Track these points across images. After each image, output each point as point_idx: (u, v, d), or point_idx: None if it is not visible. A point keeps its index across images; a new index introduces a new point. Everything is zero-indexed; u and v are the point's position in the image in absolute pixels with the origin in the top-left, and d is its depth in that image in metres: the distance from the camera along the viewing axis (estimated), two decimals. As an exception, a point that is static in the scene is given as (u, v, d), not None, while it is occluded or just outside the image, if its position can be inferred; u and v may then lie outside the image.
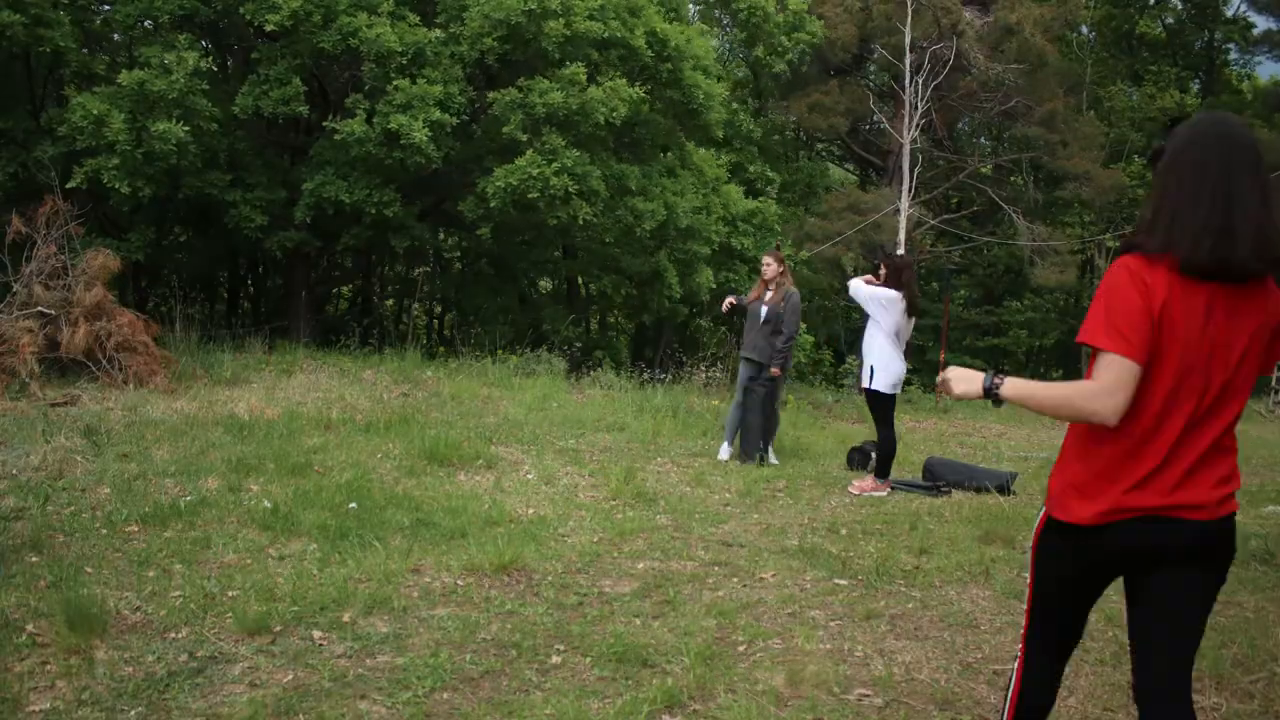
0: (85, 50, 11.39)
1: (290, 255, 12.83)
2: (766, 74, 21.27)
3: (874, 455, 6.79)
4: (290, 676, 2.89)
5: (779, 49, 19.66)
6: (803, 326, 7.51)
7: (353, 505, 4.96)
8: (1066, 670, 3.07)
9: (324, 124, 11.29)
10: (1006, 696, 2.21)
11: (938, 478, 6.79)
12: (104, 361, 8.03)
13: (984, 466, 7.63)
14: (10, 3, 9.58)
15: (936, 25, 21.52)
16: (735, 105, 19.70)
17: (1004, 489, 6.57)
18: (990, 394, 2.11)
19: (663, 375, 12.25)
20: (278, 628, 3.24)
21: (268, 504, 4.83)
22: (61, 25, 10.10)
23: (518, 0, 11.23)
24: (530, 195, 11.34)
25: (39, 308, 7.92)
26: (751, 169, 20.42)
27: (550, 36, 11.45)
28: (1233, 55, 27.39)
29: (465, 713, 2.71)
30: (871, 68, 24.47)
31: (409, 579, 3.87)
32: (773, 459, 7.58)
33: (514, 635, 3.28)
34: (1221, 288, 1.87)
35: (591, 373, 12.08)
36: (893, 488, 6.59)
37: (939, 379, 2.32)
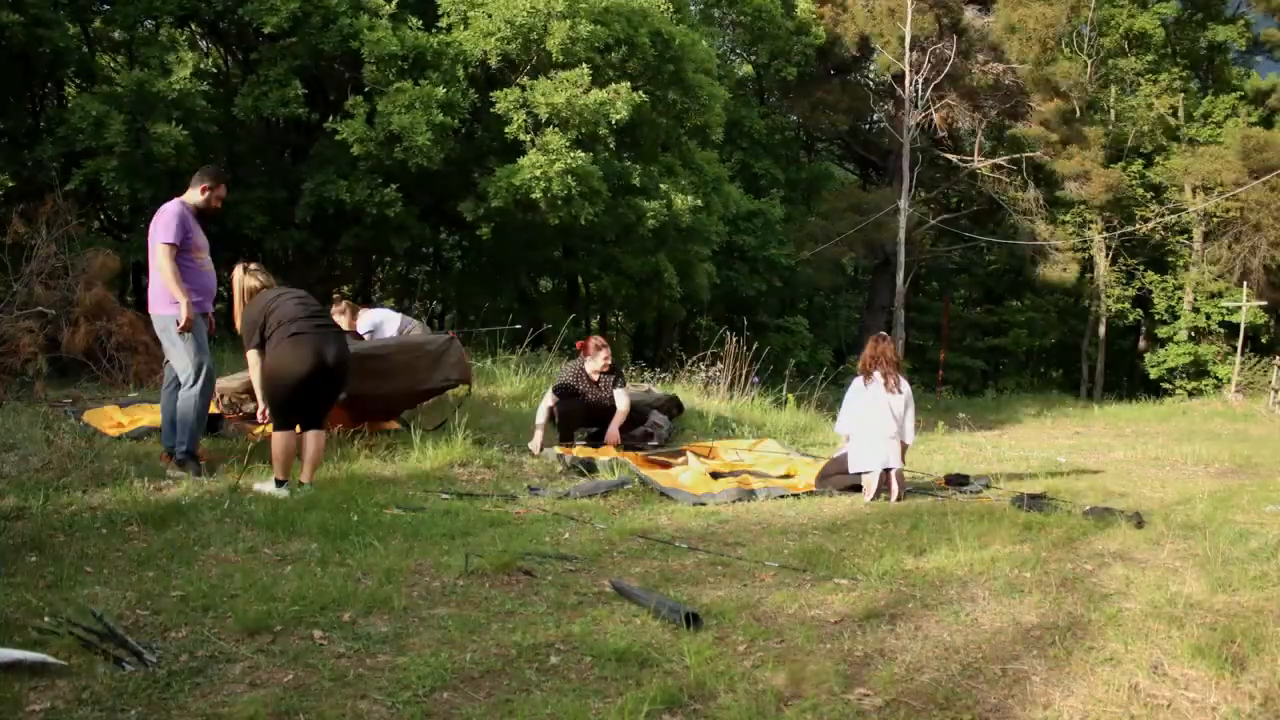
0: (85, 50, 11.40)
1: (291, 255, 12.85)
2: (771, 75, 21.27)
3: None
4: (290, 676, 2.89)
5: (787, 53, 19.69)
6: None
7: (353, 515, 4.96)
8: (1066, 669, 3.08)
9: (324, 124, 11.30)
10: None
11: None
12: (105, 361, 8.03)
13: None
14: (10, 3, 9.59)
15: (937, 24, 21.50)
16: (742, 109, 19.73)
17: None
18: None
19: (663, 374, 12.25)
20: (278, 627, 3.24)
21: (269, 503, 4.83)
22: (61, 25, 10.11)
23: (524, 1, 11.25)
24: (533, 195, 11.35)
25: (39, 308, 7.91)
26: (757, 167, 20.41)
27: (554, 37, 11.46)
28: (1232, 55, 27.36)
29: (466, 712, 2.71)
30: (872, 66, 24.47)
31: (409, 579, 3.88)
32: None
33: (514, 635, 3.28)
34: None
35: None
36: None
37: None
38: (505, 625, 3.39)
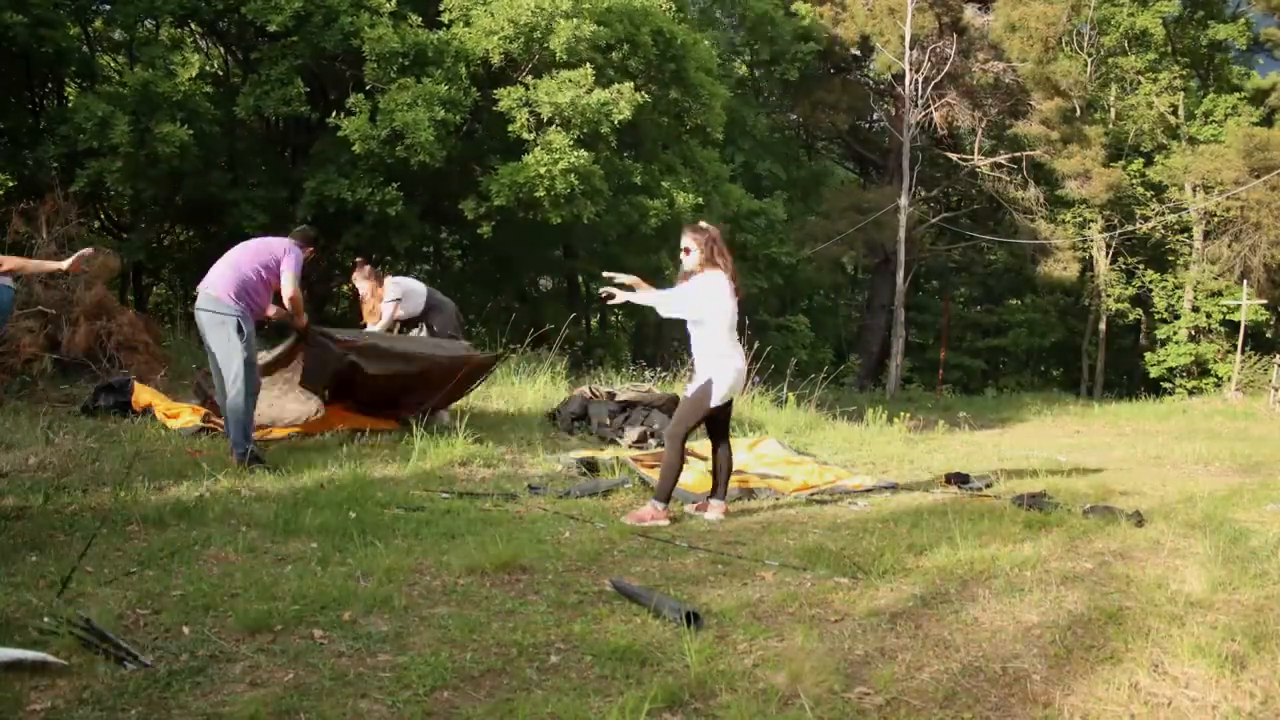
0: (86, 50, 11.40)
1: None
2: (770, 75, 21.26)
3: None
4: (291, 675, 2.89)
5: (789, 57, 19.70)
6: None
7: (353, 515, 4.95)
8: (1067, 667, 3.08)
9: (326, 121, 11.31)
10: None
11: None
12: (105, 361, 8.03)
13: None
14: (13, 3, 9.59)
15: (937, 23, 21.50)
16: (744, 108, 19.75)
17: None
18: None
19: (664, 374, 12.24)
20: (278, 627, 3.24)
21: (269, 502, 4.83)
22: (62, 25, 10.12)
23: (529, 0, 11.28)
24: (537, 194, 11.36)
25: (39, 307, 7.92)
26: (760, 168, 20.41)
27: (559, 36, 11.48)
28: (1233, 54, 27.32)
29: (466, 712, 2.71)
30: (872, 65, 24.50)
31: (410, 578, 3.88)
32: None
33: (514, 634, 3.28)
34: None
35: (592, 371, 12.07)
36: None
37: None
38: (505, 624, 3.39)
